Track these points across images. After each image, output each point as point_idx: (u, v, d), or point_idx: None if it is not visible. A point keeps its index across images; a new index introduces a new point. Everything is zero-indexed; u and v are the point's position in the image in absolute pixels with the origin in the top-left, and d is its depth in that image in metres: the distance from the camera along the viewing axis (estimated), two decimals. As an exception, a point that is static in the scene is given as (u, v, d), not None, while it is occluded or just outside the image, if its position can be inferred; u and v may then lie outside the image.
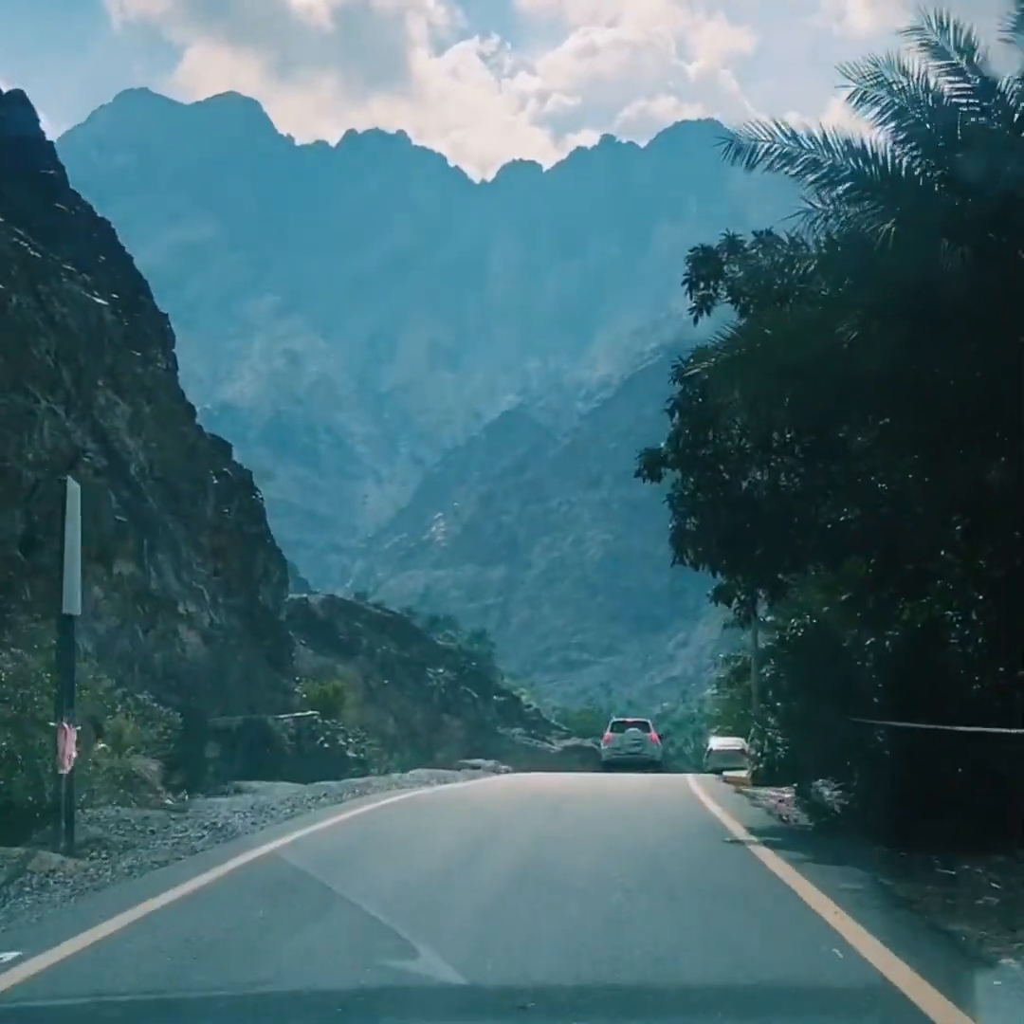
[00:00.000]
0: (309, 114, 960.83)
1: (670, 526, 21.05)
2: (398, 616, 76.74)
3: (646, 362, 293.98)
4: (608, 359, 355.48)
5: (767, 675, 32.74)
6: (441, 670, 68.84)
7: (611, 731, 50.88)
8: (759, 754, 30.43)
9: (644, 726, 51.37)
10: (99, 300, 38.43)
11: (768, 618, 32.74)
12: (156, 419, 41.72)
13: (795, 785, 25.28)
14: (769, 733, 30.25)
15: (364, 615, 68.92)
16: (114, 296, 40.32)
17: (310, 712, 44.94)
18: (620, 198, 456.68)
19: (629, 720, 54.61)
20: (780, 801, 23.60)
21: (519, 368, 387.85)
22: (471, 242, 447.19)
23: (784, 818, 20.34)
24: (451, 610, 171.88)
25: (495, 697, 73.50)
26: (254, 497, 46.27)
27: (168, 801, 28.07)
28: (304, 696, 45.67)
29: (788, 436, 18.55)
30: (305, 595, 68.47)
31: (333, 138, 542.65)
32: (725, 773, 36.76)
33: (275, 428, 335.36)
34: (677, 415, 21.03)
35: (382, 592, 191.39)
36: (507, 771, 42.40)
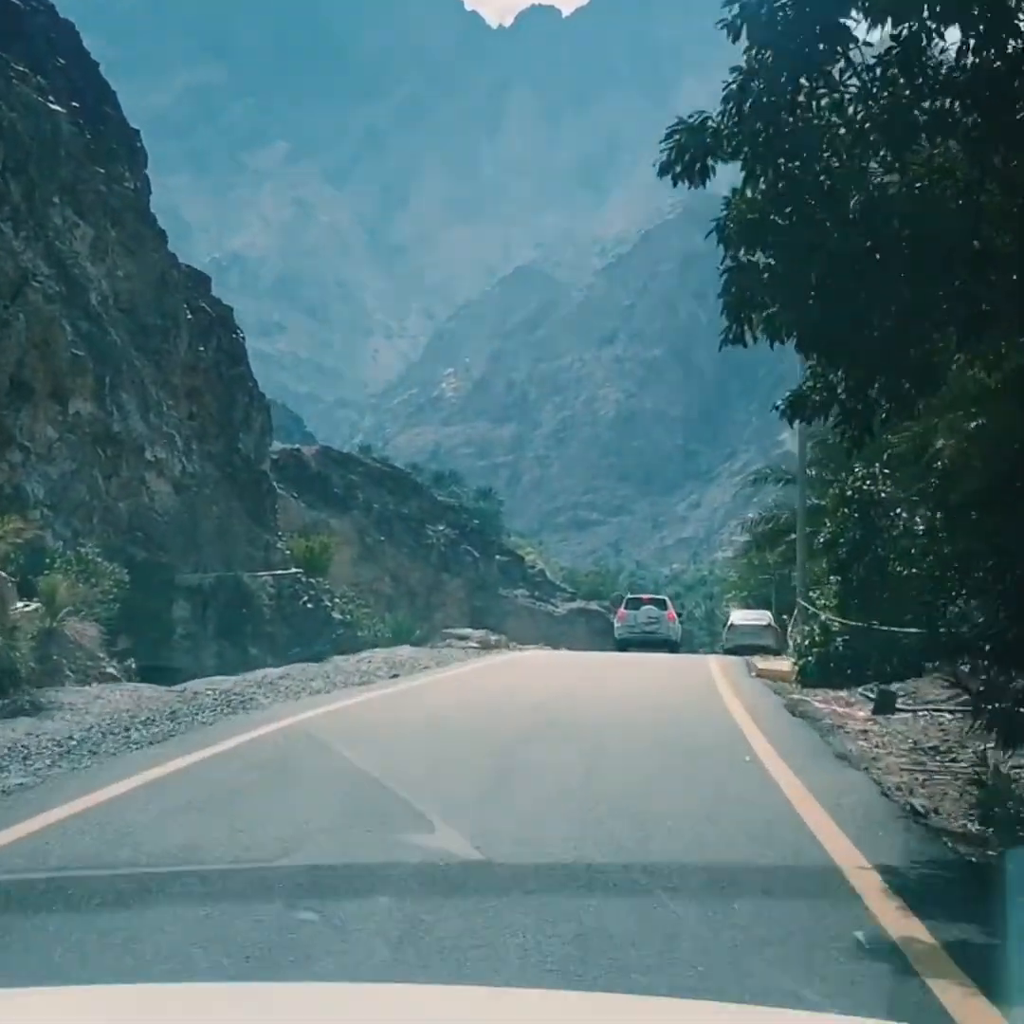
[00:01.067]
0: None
1: (721, 272, 10.71)
2: (397, 470, 73.18)
3: (664, 217, 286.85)
4: (625, 215, 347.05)
5: (824, 539, 26.62)
6: (442, 527, 65.43)
7: (625, 608, 47.17)
8: (808, 644, 23.89)
9: (661, 603, 47.71)
10: (55, 107, 34.29)
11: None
12: (123, 245, 37.76)
13: (871, 691, 19.05)
14: (824, 618, 24.43)
15: (361, 468, 65.39)
16: (74, 105, 36.15)
17: (293, 570, 41.65)
18: (643, 47, 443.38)
19: (644, 597, 51.10)
20: (865, 732, 15.15)
21: (534, 223, 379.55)
22: (487, 91, 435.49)
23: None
24: (460, 468, 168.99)
25: (498, 557, 70.15)
26: (235, 335, 42.37)
27: (112, 671, 24.82)
28: (287, 553, 42.34)
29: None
30: (297, 446, 64.91)
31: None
32: (757, 664, 28.83)
33: (284, 280, 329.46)
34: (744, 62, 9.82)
35: (390, 448, 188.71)
36: (499, 644, 38.68)
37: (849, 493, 23.79)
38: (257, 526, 41.09)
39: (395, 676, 23.76)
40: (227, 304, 43.20)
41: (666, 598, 51.35)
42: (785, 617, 38.98)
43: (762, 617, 44.99)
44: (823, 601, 25.60)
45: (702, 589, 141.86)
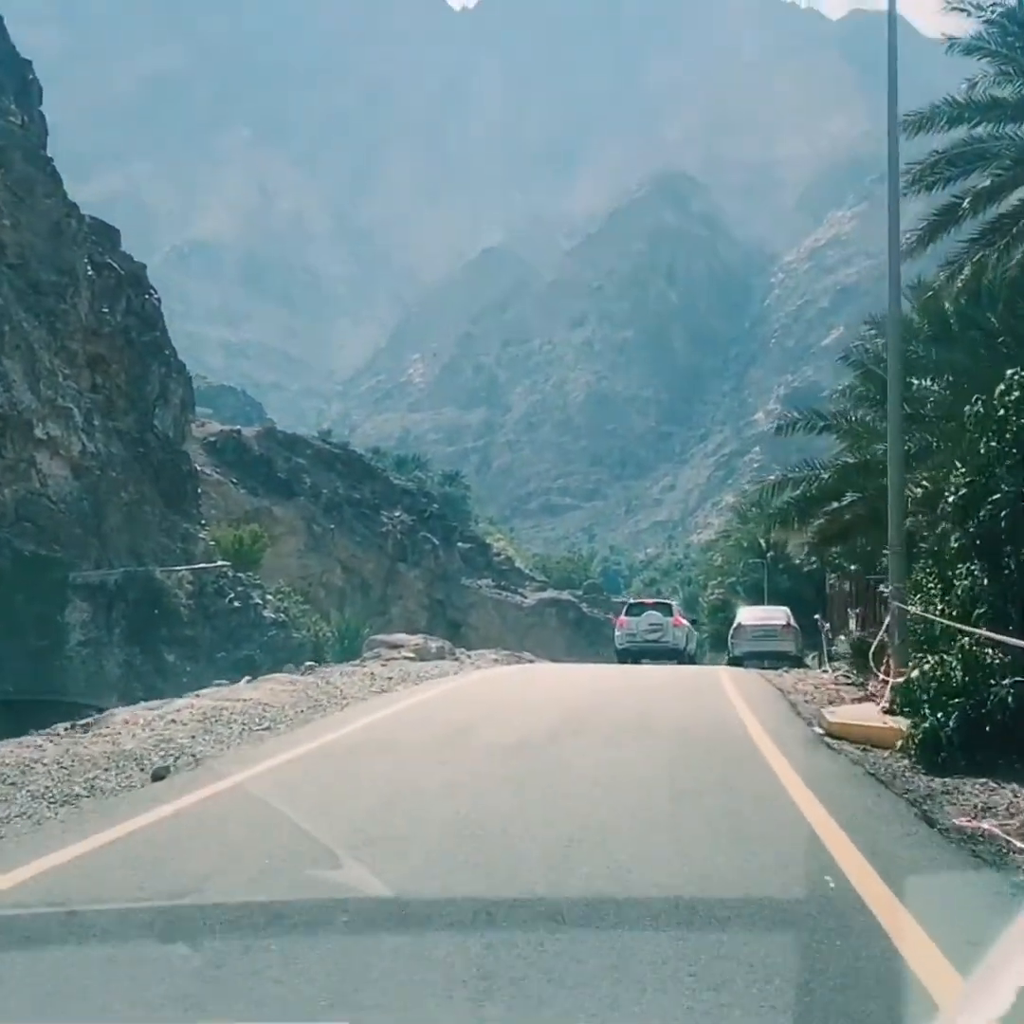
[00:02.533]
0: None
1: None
2: (349, 452, 67.94)
3: (632, 196, 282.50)
4: (594, 194, 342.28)
5: (952, 498, 14.05)
6: (398, 513, 60.25)
7: (626, 614, 41.43)
8: (933, 686, 12.52)
9: (665, 608, 41.99)
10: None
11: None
12: (9, 189, 32.62)
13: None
14: (971, 639, 12.92)
15: (309, 450, 60.19)
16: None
17: (218, 563, 36.59)
18: (608, 26, 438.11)
19: (648, 601, 45.02)
20: None
21: (502, 203, 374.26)
22: (452, 73, 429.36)
23: None
24: (428, 455, 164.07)
25: (460, 544, 64.96)
26: (148, 296, 37.17)
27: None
28: (212, 544, 37.27)
29: None
30: (237, 427, 59.68)
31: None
32: (827, 718, 18.88)
33: (249, 266, 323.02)
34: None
35: (356, 436, 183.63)
36: (443, 651, 31.72)
37: (1004, 411, 13.56)
38: (174, 514, 36.00)
39: (266, 729, 14.36)
40: (139, 261, 37.95)
41: (671, 602, 45.21)
42: (816, 618, 32.45)
43: (778, 615, 37.17)
44: (940, 605, 14.94)
45: (678, 574, 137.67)
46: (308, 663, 27.88)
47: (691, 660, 39.90)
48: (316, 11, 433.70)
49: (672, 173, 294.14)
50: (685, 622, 42.00)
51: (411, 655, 26.87)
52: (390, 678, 21.37)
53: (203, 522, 37.74)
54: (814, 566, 48.62)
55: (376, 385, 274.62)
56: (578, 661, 45.06)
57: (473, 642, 59.64)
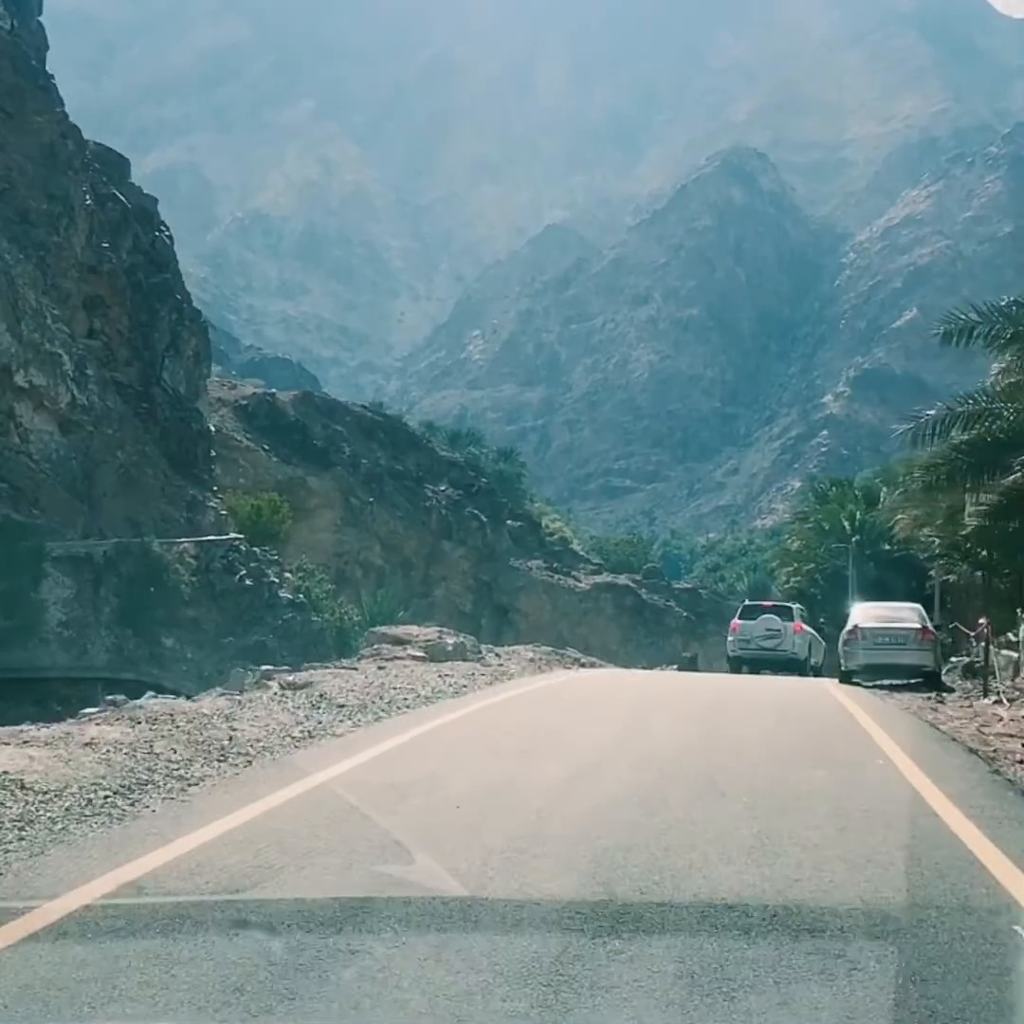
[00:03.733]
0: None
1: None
2: (392, 420, 63.60)
3: (701, 172, 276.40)
4: (659, 174, 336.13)
5: None
6: (443, 487, 55.84)
7: (739, 617, 37.20)
8: None
9: (785, 612, 37.48)
10: None
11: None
12: (-7, 102, 28.49)
13: None
14: None
15: (348, 417, 55.88)
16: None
17: (231, 536, 32.37)
18: (675, 5, 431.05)
19: (765, 604, 40.22)
20: None
21: (566, 183, 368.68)
22: (517, 50, 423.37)
23: None
24: (487, 433, 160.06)
25: (510, 522, 60.43)
26: (159, 233, 32.88)
27: None
28: (224, 515, 33.02)
29: None
30: (271, 390, 55.48)
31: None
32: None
33: (308, 240, 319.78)
34: None
35: (415, 413, 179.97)
36: (464, 649, 25.55)
37: None
38: (182, 478, 31.81)
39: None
40: (150, 194, 33.66)
41: (792, 606, 39.59)
42: (932, 619, 26.80)
43: (909, 616, 28.19)
44: None
45: (743, 559, 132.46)
46: (258, 669, 21.32)
47: (816, 673, 35.19)
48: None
49: (740, 149, 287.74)
50: (808, 629, 37.35)
51: (420, 654, 21.94)
52: (343, 707, 14.88)
53: (215, 489, 33.51)
54: (904, 553, 43.99)
55: (435, 362, 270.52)
56: (636, 658, 40.95)
57: (522, 629, 55.23)
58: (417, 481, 54.51)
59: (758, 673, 33.45)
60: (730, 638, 37.14)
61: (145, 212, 32.84)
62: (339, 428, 52.86)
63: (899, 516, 40.58)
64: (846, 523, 51.51)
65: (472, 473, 62.11)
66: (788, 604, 40.34)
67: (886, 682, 25.72)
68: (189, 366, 33.53)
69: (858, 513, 52.11)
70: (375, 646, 23.09)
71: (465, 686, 18.50)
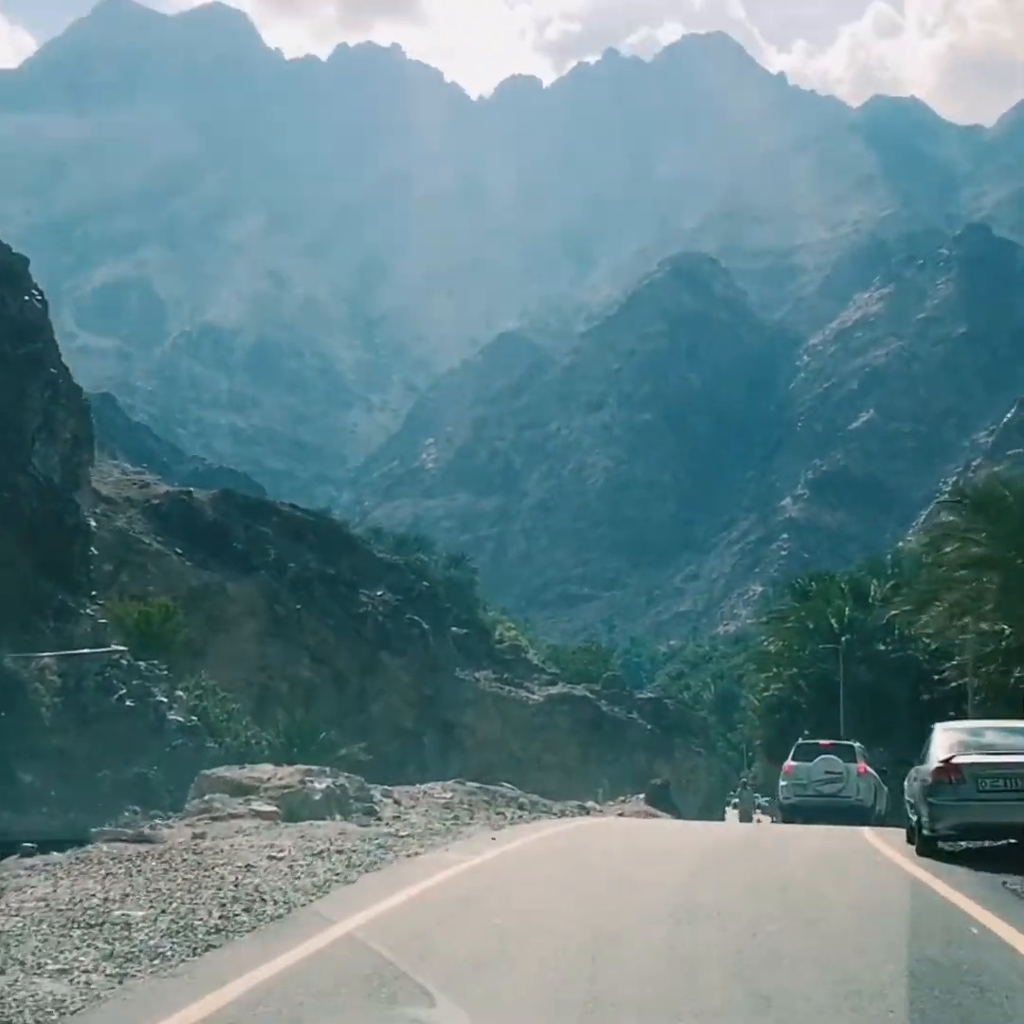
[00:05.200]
0: (305, 39, 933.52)
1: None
2: (324, 519, 58.81)
3: (652, 278, 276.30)
4: (611, 282, 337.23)
5: None
6: (380, 592, 50.93)
7: (793, 759, 32.29)
8: None
9: (845, 751, 32.45)
10: None
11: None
12: None
13: None
14: None
15: (275, 517, 51.11)
16: None
17: (112, 648, 27.32)
18: (623, 118, 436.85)
19: (822, 742, 34.34)
20: None
21: (518, 293, 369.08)
22: (467, 163, 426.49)
23: None
24: (442, 541, 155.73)
25: (455, 629, 55.41)
26: (29, 297, 28.19)
27: None
28: (103, 622, 27.99)
29: None
30: (188, 488, 50.65)
31: (323, 53, 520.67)
32: None
33: (260, 353, 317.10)
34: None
35: (368, 522, 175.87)
36: (336, 794, 18.50)
37: None
38: (51, 582, 26.78)
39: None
40: (20, 253, 29.02)
41: (854, 745, 34.00)
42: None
43: None
44: None
45: (708, 667, 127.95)
46: None
47: (880, 822, 29.32)
48: (330, 102, 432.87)
49: (691, 255, 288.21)
50: (872, 771, 32.10)
51: (270, 809, 16.37)
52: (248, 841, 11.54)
53: (94, 594, 28.43)
54: (901, 655, 39.11)
55: (388, 471, 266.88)
56: (597, 777, 35.41)
57: (469, 747, 50.11)
58: (351, 586, 49.56)
59: (812, 823, 27.95)
60: (782, 783, 32.01)
61: (12, 273, 28.18)
62: (264, 529, 48.11)
63: (901, 609, 35.68)
64: (834, 621, 46.33)
65: (413, 576, 57.13)
66: (850, 742, 34.51)
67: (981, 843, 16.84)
68: (65, 451, 28.72)
69: (847, 609, 46.93)
70: (206, 797, 17.51)
71: (300, 893, 11.07)
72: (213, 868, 12.10)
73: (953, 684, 34.53)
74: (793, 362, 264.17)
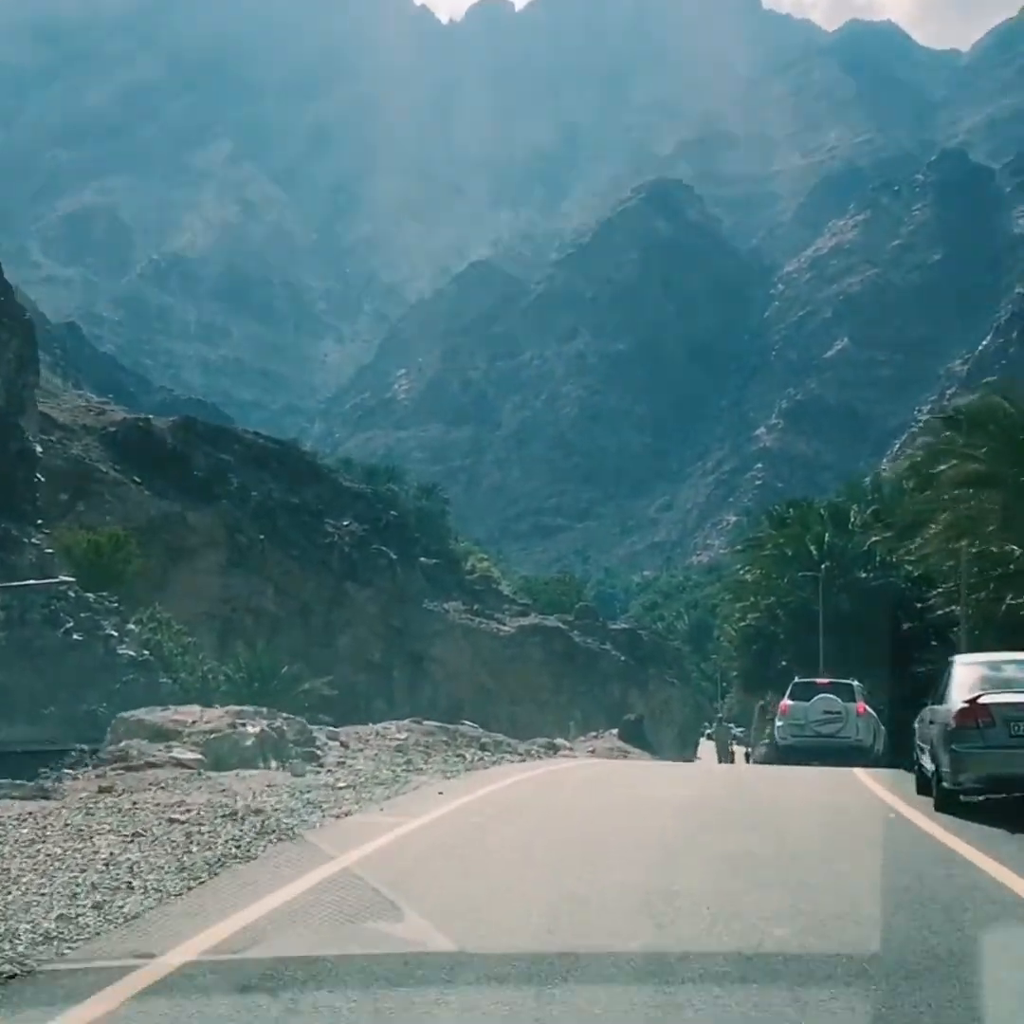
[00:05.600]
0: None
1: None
2: (289, 447, 57.31)
3: (625, 205, 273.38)
4: (584, 210, 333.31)
5: None
6: (347, 522, 49.46)
7: (790, 698, 31.36)
8: None
9: (845, 690, 31.44)
10: None
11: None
12: None
13: None
14: None
15: (237, 445, 49.53)
16: None
17: (59, 579, 25.87)
18: (596, 42, 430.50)
19: (819, 681, 33.36)
20: None
21: (490, 221, 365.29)
22: (439, 89, 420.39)
23: None
24: (414, 473, 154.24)
25: (423, 559, 54.01)
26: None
27: None
28: (49, 552, 26.54)
29: None
30: (146, 415, 49.03)
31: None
32: None
33: (228, 282, 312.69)
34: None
35: (339, 454, 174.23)
36: (299, 742, 17.84)
37: None
38: (-9, 508, 25.34)
39: None
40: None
41: (853, 683, 32.85)
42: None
43: None
44: None
45: (682, 597, 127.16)
46: None
47: (876, 762, 28.03)
48: (298, 24, 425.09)
49: (664, 182, 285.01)
50: (870, 710, 31.21)
51: (194, 756, 14.98)
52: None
53: (40, 523, 26.95)
54: (882, 583, 37.87)
55: (360, 403, 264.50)
56: (569, 709, 33.97)
57: (439, 679, 49.03)
58: (316, 516, 48.01)
59: (809, 764, 26.74)
60: (778, 723, 31.12)
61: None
62: (225, 457, 46.52)
63: (882, 536, 34.40)
64: (813, 548, 44.94)
65: (380, 506, 55.51)
66: (848, 681, 33.08)
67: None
68: (8, 373, 27.11)
69: (827, 536, 45.44)
70: (123, 744, 15.97)
71: (179, 877, 8.92)
72: (92, 837, 10.23)
73: (939, 612, 33.32)
74: (767, 290, 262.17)
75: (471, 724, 27.05)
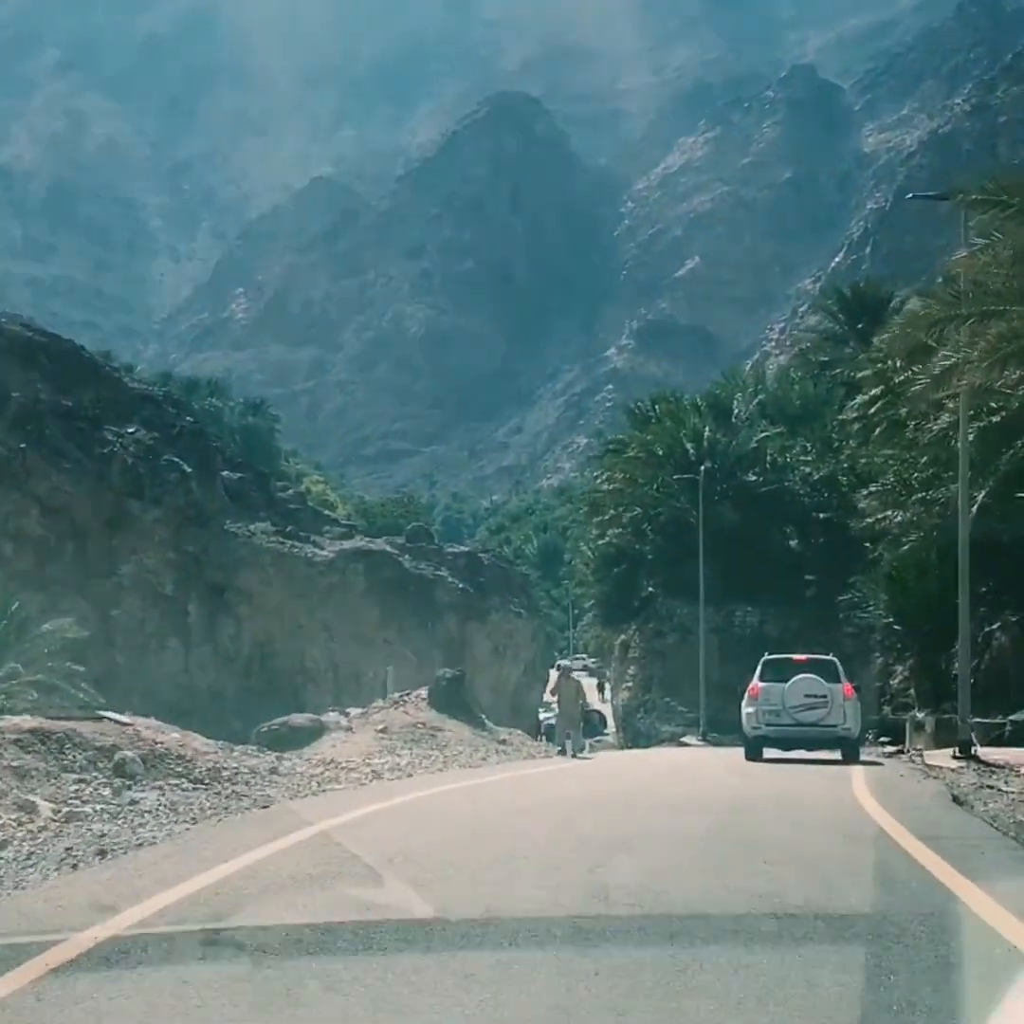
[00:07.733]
0: None
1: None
2: (61, 341, 49.62)
3: (472, 117, 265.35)
4: (430, 126, 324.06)
5: None
6: (132, 429, 42.15)
7: (761, 679, 25.69)
8: None
9: (827, 669, 26.07)
10: None
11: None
12: None
13: None
14: None
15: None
16: None
17: None
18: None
19: (797, 658, 27.78)
20: None
21: (333, 137, 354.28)
22: (280, 0, 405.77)
23: None
24: (254, 396, 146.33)
25: (226, 473, 46.60)
26: None
27: None
28: None
29: None
30: None
31: None
32: None
33: (57, 197, 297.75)
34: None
35: (176, 376, 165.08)
36: None
37: None
38: None
39: None
40: None
41: (834, 660, 27.53)
42: None
43: None
44: None
45: (530, 520, 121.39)
46: None
47: (855, 751, 24.55)
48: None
49: (512, 94, 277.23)
50: (853, 690, 25.96)
51: None
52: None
53: None
54: (774, 488, 31.48)
55: (197, 323, 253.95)
56: (398, 647, 27.60)
57: (243, 615, 42.31)
58: (94, 422, 40.50)
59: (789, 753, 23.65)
60: (748, 709, 25.47)
61: None
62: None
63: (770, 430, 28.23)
64: (690, 445, 37.90)
65: (173, 410, 47.79)
66: (830, 658, 27.69)
67: None
68: None
69: (707, 430, 38.17)
70: None
71: None
72: None
73: (869, 519, 26.94)
74: (617, 209, 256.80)
75: (114, 715, 16.41)
